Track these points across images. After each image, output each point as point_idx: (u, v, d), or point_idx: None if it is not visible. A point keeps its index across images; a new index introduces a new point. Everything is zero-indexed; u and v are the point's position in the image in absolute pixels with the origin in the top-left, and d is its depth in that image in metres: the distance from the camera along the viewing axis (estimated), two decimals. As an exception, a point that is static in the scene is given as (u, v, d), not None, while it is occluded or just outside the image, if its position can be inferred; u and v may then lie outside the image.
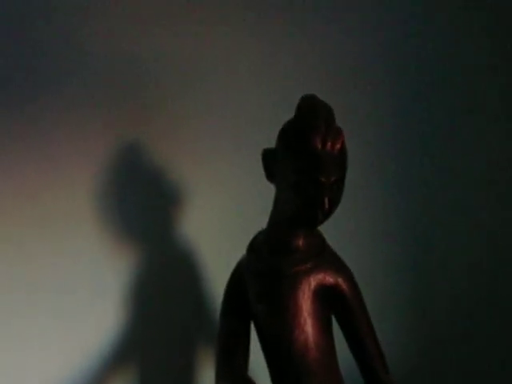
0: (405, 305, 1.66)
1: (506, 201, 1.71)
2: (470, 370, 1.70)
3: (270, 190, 1.16)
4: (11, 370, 1.31)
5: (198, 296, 1.47)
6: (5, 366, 1.31)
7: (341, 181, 1.09)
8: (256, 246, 1.21)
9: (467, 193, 1.68)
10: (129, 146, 1.38)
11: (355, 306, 1.16)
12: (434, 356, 1.69)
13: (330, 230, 1.21)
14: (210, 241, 1.45)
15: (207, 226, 1.45)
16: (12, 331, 1.31)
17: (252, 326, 1.22)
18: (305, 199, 1.07)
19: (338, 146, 1.07)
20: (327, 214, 1.09)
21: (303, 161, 1.06)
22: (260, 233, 1.23)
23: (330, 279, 1.15)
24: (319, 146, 1.06)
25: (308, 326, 1.14)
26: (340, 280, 1.15)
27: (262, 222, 1.21)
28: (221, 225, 1.46)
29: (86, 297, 1.36)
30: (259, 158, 1.14)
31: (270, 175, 1.13)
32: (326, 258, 1.16)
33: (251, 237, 1.24)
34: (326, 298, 1.15)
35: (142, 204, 1.40)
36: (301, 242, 1.15)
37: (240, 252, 1.24)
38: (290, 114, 1.13)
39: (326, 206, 1.07)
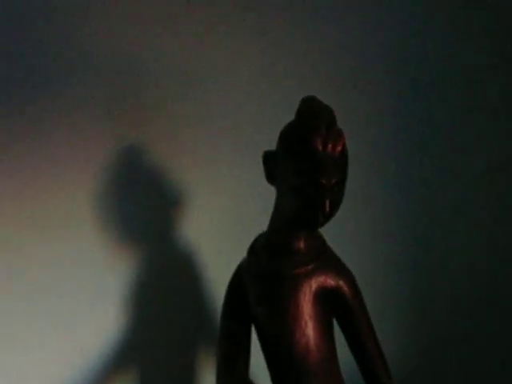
0: (405, 305, 1.66)
1: (506, 201, 1.71)
2: (470, 369, 1.70)
3: (270, 192, 1.16)
4: (11, 371, 1.31)
5: (198, 297, 1.47)
6: (5, 367, 1.31)
7: (342, 183, 1.09)
8: (256, 249, 1.20)
9: (467, 193, 1.68)
10: (129, 147, 1.38)
11: (356, 308, 1.16)
12: (434, 356, 1.69)
13: (330, 231, 1.21)
14: (210, 242, 1.45)
15: (207, 227, 1.45)
16: (12, 332, 1.31)
17: (253, 328, 1.22)
18: (305, 201, 1.07)
19: (339, 148, 1.07)
20: (328, 217, 1.09)
21: (304, 163, 1.06)
22: (261, 235, 1.22)
23: (331, 282, 1.14)
24: (320, 148, 1.06)
25: (309, 328, 1.14)
26: (341, 282, 1.15)
27: (262, 224, 1.21)
28: (221, 226, 1.46)
29: (86, 298, 1.36)
30: (259, 159, 1.14)
31: (271, 177, 1.13)
32: (327, 260, 1.16)
33: (251, 238, 1.24)
34: (327, 301, 1.15)
35: (142, 205, 1.40)
36: (302, 244, 1.15)
37: (240, 253, 1.24)
38: (290, 115, 1.13)
39: (327, 208, 1.06)
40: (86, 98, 1.34)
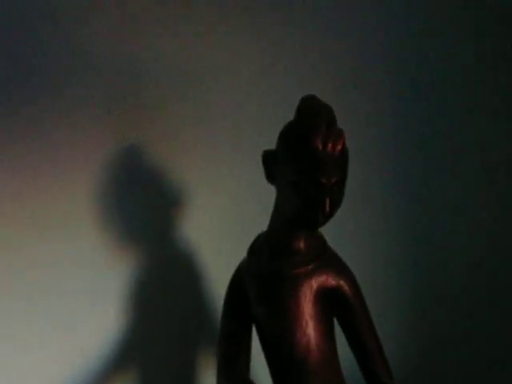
0: (405, 305, 1.66)
1: (506, 201, 1.71)
2: (470, 369, 1.70)
3: (270, 191, 1.16)
4: (11, 371, 1.31)
5: (198, 297, 1.47)
6: (5, 367, 1.31)
7: (342, 182, 1.09)
8: (256, 249, 1.20)
9: (467, 193, 1.68)
10: (129, 147, 1.38)
11: (357, 308, 1.15)
12: (434, 356, 1.69)
13: (330, 231, 1.21)
14: (210, 242, 1.45)
15: (207, 226, 1.45)
16: (12, 332, 1.31)
17: (253, 328, 1.22)
18: (305, 201, 1.07)
19: (339, 147, 1.07)
20: (328, 216, 1.08)
21: (304, 162, 1.06)
22: (260, 235, 1.22)
23: (331, 281, 1.14)
24: (320, 147, 1.05)
25: (309, 328, 1.13)
26: (342, 282, 1.14)
27: (262, 223, 1.21)
28: (221, 226, 1.46)
29: (86, 298, 1.36)
30: (259, 158, 1.13)
31: (271, 177, 1.13)
32: (328, 259, 1.16)
33: (251, 237, 1.23)
34: (328, 301, 1.14)
35: (142, 205, 1.40)
36: (302, 244, 1.15)
37: (240, 252, 1.24)
38: (290, 115, 1.13)
39: (327, 207, 1.06)
40: (86, 98, 1.34)
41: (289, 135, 1.10)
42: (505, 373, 1.72)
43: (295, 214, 1.09)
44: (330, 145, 1.06)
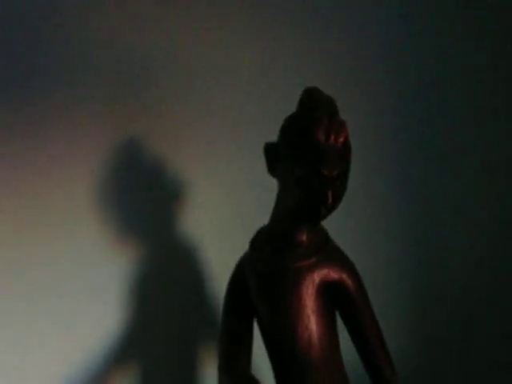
0: (405, 305, 1.66)
1: (506, 201, 1.71)
2: (470, 369, 1.71)
3: (271, 185, 1.15)
4: (11, 371, 1.31)
5: (198, 291, 1.47)
6: (5, 366, 1.31)
7: (344, 175, 1.08)
8: (258, 243, 1.19)
9: (467, 193, 1.68)
10: (129, 145, 1.38)
11: (359, 302, 1.14)
12: (434, 356, 1.69)
13: (331, 230, 1.21)
14: (210, 236, 1.45)
15: (208, 221, 1.45)
16: (12, 330, 1.31)
17: (255, 323, 1.21)
18: (308, 193, 1.06)
19: (342, 139, 1.06)
20: (330, 209, 1.07)
21: (306, 154, 1.05)
22: (262, 229, 1.21)
23: (334, 275, 1.12)
24: (322, 139, 1.05)
25: (312, 323, 1.13)
26: (344, 276, 1.13)
27: (263, 217, 1.20)
28: (222, 220, 1.46)
29: (86, 294, 1.36)
30: (260, 153, 1.13)
31: (272, 169, 1.12)
32: (330, 253, 1.14)
33: (253, 231, 1.23)
34: (330, 294, 1.13)
35: (141, 201, 1.40)
36: (304, 237, 1.14)
37: (241, 246, 1.24)
38: (290, 111, 1.13)
39: (330, 200, 1.05)
40: (86, 98, 1.34)
41: (291, 128, 1.09)
42: (505, 373, 1.72)
43: (297, 206, 1.09)
44: (332, 137, 1.05)
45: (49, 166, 1.32)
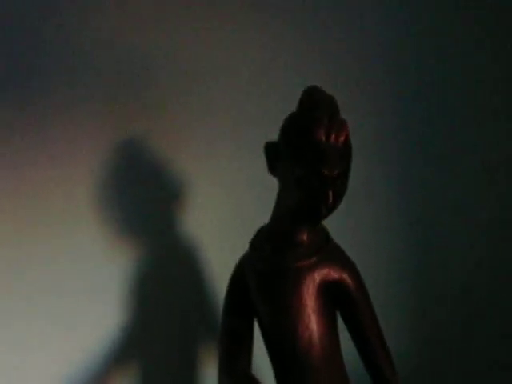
0: (405, 305, 1.66)
1: (506, 201, 1.71)
2: (470, 369, 1.70)
3: (271, 185, 1.15)
4: (11, 371, 1.31)
5: (198, 291, 1.47)
6: (5, 366, 1.31)
7: (345, 175, 1.08)
8: (258, 242, 1.19)
9: (467, 193, 1.68)
10: (129, 145, 1.38)
11: (360, 302, 1.14)
12: (434, 356, 1.69)
13: (331, 229, 1.20)
14: (210, 235, 1.45)
15: (208, 220, 1.45)
16: (12, 330, 1.31)
17: (255, 323, 1.21)
18: (308, 193, 1.06)
19: (342, 138, 1.05)
20: (331, 208, 1.07)
21: (306, 154, 1.05)
22: (262, 228, 1.21)
23: (334, 275, 1.12)
24: (323, 139, 1.04)
25: (312, 322, 1.13)
26: (345, 276, 1.13)
27: (263, 217, 1.20)
28: (222, 219, 1.46)
29: (86, 294, 1.36)
30: (260, 152, 1.13)
31: (273, 168, 1.12)
32: (331, 252, 1.14)
33: (253, 231, 1.23)
34: (331, 294, 1.13)
35: (141, 200, 1.40)
36: (305, 237, 1.13)
37: (241, 246, 1.24)
38: (290, 111, 1.13)
39: (330, 199, 1.05)
40: (86, 98, 1.34)
41: (291, 127, 1.08)
42: (505, 373, 1.72)
43: (298, 206, 1.08)
44: (332, 136, 1.05)
45: (49, 166, 1.32)
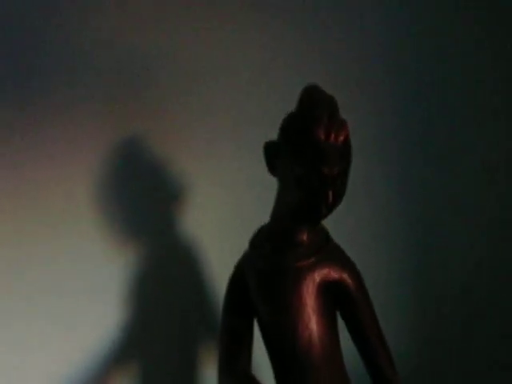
0: (405, 305, 1.66)
1: (506, 201, 1.71)
2: (470, 369, 1.71)
3: (270, 185, 1.15)
4: (11, 371, 1.31)
5: (198, 291, 1.47)
6: (5, 366, 1.31)
7: (344, 174, 1.08)
8: (258, 242, 1.19)
9: (467, 193, 1.68)
10: (129, 145, 1.38)
11: (360, 301, 1.14)
12: (434, 356, 1.69)
13: (331, 229, 1.21)
14: (210, 235, 1.45)
15: (208, 220, 1.45)
16: (12, 330, 1.31)
17: (255, 323, 1.21)
18: (308, 192, 1.06)
19: (342, 137, 1.05)
20: (331, 208, 1.07)
21: (306, 153, 1.05)
22: (262, 228, 1.21)
23: (334, 274, 1.12)
24: (322, 138, 1.04)
25: (312, 322, 1.13)
26: (345, 275, 1.13)
27: (263, 216, 1.20)
28: (222, 219, 1.46)
29: (86, 294, 1.36)
30: (261, 153, 1.13)
31: (272, 168, 1.11)
32: (331, 252, 1.14)
33: (252, 231, 1.23)
34: (331, 294, 1.13)
35: (141, 200, 1.40)
36: (305, 237, 1.14)
37: (241, 246, 1.24)
38: (289, 111, 1.13)
39: (330, 199, 1.05)
40: (86, 98, 1.34)
41: (291, 126, 1.08)
42: (505, 373, 1.72)
43: (298, 205, 1.08)
44: (332, 135, 1.05)
45: (49, 166, 1.32)
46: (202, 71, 1.43)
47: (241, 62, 1.46)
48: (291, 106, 1.13)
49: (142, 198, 1.40)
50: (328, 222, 1.18)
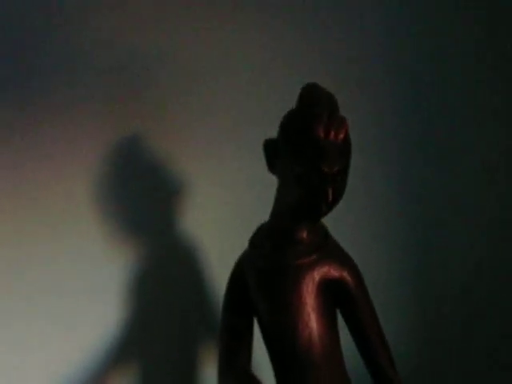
0: (405, 305, 1.66)
1: (506, 201, 1.71)
2: (470, 369, 1.71)
3: (270, 183, 1.15)
4: (11, 371, 1.31)
5: (198, 290, 1.47)
6: (5, 366, 1.31)
7: (344, 171, 1.08)
8: (258, 240, 1.19)
9: (467, 193, 1.68)
10: (129, 145, 1.38)
11: (360, 299, 1.14)
12: (434, 356, 1.69)
13: (331, 229, 1.21)
14: (210, 234, 1.45)
15: (208, 219, 1.45)
16: (12, 330, 1.31)
17: (255, 321, 1.21)
18: (308, 190, 1.05)
19: (342, 135, 1.05)
20: (331, 206, 1.07)
21: (306, 151, 1.04)
22: (262, 226, 1.21)
23: (334, 273, 1.12)
24: (322, 136, 1.04)
25: (312, 321, 1.13)
26: (345, 274, 1.13)
27: (262, 215, 1.20)
28: (221, 218, 1.46)
29: (86, 294, 1.36)
30: (260, 153, 1.13)
31: (272, 166, 1.12)
32: (330, 250, 1.14)
33: (252, 229, 1.23)
34: (331, 292, 1.13)
35: (141, 199, 1.40)
36: (305, 234, 1.13)
37: (241, 246, 1.24)
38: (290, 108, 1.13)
39: (330, 197, 1.05)
40: (86, 98, 1.34)
41: (290, 124, 1.08)
42: (505, 373, 1.72)
43: (297, 203, 1.08)
44: (332, 133, 1.04)
45: (49, 166, 1.32)
46: (202, 71, 1.43)
47: (241, 62, 1.46)
48: (291, 105, 1.13)
49: (142, 198, 1.40)
50: (328, 222, 1.18)
